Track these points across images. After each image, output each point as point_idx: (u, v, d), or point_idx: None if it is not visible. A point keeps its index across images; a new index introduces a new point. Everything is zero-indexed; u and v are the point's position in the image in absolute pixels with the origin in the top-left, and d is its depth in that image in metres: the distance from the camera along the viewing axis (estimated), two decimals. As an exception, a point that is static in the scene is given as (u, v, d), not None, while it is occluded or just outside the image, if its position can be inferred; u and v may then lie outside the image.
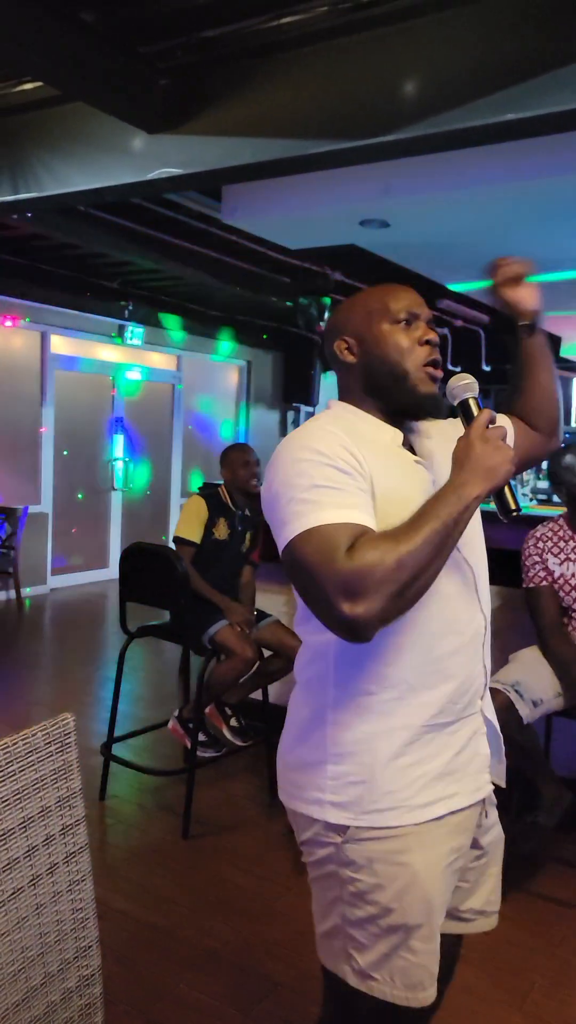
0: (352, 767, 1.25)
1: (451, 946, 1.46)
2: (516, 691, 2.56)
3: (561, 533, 2.79)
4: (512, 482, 1.25)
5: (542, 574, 2.77)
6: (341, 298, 6.80)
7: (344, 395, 1.36)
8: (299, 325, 7.52)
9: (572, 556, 2.75)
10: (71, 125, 3.34)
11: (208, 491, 3.65)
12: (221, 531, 3.54)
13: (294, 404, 9.72)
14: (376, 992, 1.25)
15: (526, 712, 2.54)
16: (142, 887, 2.72)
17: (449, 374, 1.30)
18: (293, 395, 9.51)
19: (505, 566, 2.94)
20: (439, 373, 1.32)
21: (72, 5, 2.70)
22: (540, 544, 2.80)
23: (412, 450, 1.35)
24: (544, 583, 2.76)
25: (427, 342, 1.31)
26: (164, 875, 2.80)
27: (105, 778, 3.36)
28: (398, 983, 1.24)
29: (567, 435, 6.46)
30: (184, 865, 2.87)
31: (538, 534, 2.82)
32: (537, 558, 2.78)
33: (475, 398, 1.26)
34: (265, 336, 9.21)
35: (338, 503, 1.14)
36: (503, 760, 1.41)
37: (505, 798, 2.71)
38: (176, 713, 3.64)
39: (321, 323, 6.71)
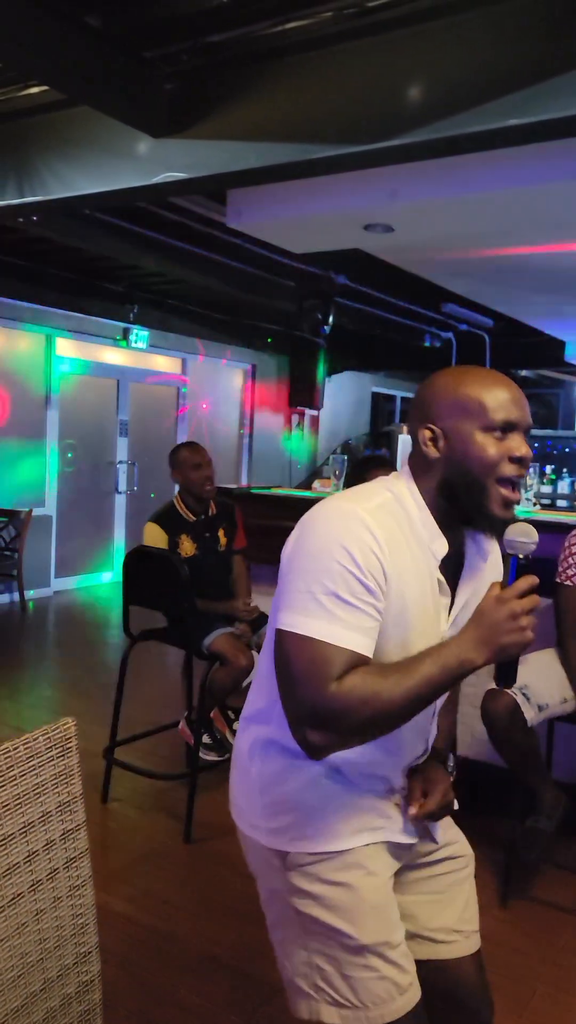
0: (280, 796, 1.29)
1: (461, 975, 1.45)
2: (524, 694, 2.54)
3: None
4: None
5: None
6: (346, 302, 6.80)
7: (416, 474, 1.27)
8: (304, 329, 7.52)
9: None
10: (76, 129, 3.35)
11: (161, 512, 3.49)
12: (187, 547, 3.43)
13: (298, 408, 9.73)
14: (352, 1022, 1.27)
15: (531, 715, 2.53)
16: (144, 891, 2.71)
17: None
18: (298, 399, 9.52)
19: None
20: (516, 497, 1.22)
21: (77, 9, 2.71)
22: None
23: (461, 559, 1.30)
24: None
25: (518, 460, 1.20)
26: (166, 879, 2.80)
27: (107, 782, 3.36)
28: (368, 1003, 1.26)
29: (573, 442, 6.46)
30: (186, 869, 2.87)
31: None
32: None
33: (527, 557, 1.20)
34: (270, 340, 9.22)
35: (349, 623, 1.13)
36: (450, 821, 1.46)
37: (507, 803, 2.70)
38: (185, 715, 3.64)
39: (326, 327, 6.71)
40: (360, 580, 1.13)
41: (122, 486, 8.24)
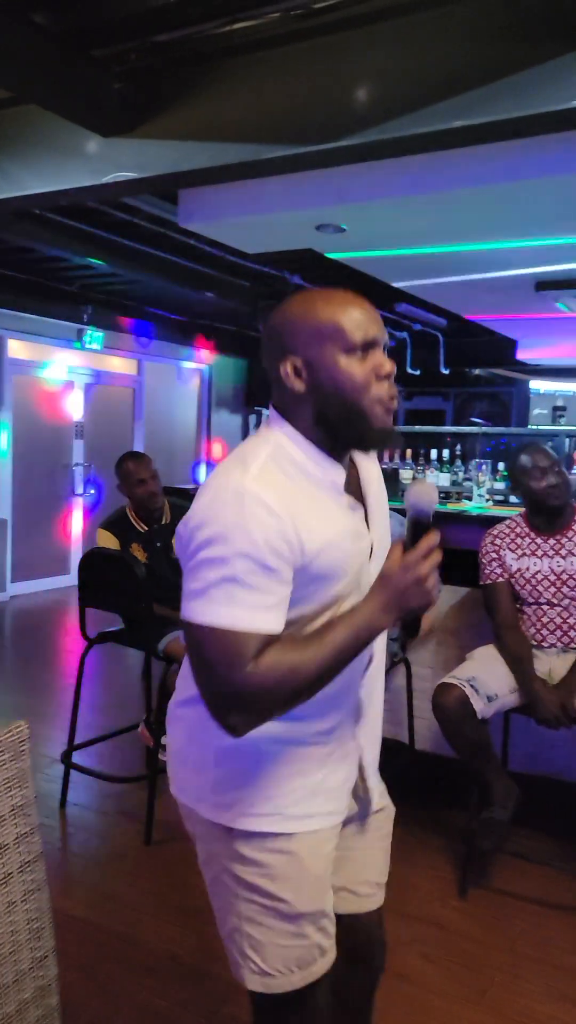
0: (235, 771, 1.28)
1: (369, 929, 1.49)
2: (472, 686, 2.61)
3: (519, 530, 2.86)
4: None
5: (498, 571, 2.83)
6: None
7: (288, 417, 1.24)
8: (259, 329, 7.51)
9: (528, 552, 2.81)
10: (24, 128, 3.31)
11: (113, 519, 3.47)
12: (139, 555, 3.42)
13: (255, 407, 9.73)
14: (276, 988, 1.30)
15: (480, 707, 2.59)
16: (104, 894, 2.70)
17: (408, 378, 1.30)
18: (255, 398, 9.51)
19: (463, 566, 2.99)
20: (394, 405, 1.23)
21: (24, 7, 2.68)
22: (497, 541, 2.86)
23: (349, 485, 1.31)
24: (500, 579, 2.82)
25: (386, 376, 1.21)
26: (126, 882, 2.79)
27: (66, 786, 3.33)
28: (294, 968, 1.29)
29: (524, 439, 6.57)
30: (146, 871, 2.86)
31: (495, 532, 2.89)
32: (494, 555, 2.84)
33: (429, 518, 1.22)
34: (226, 340, 9.20)
35: (253, 604, 1.11)
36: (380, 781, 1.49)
37: (463, 794, 2.75)
38: (145, 718, 3.61)
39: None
40: (261, 563, 1.10)
41: (79, 488, 8.16)
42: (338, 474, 1.25)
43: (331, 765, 1.32)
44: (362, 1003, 1.57)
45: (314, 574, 1.18)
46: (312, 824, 1.29)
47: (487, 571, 2.85)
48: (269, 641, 1.13)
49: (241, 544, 1.10)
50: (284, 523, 1.12)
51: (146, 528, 3.47)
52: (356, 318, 1.19)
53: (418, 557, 1.16)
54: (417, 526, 1.20)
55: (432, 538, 1.18)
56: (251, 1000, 1.36)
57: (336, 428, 1.22)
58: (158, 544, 3.47)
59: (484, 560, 2.86)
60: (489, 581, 2.84)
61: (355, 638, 1.16)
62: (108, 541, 3.40)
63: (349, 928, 1.45)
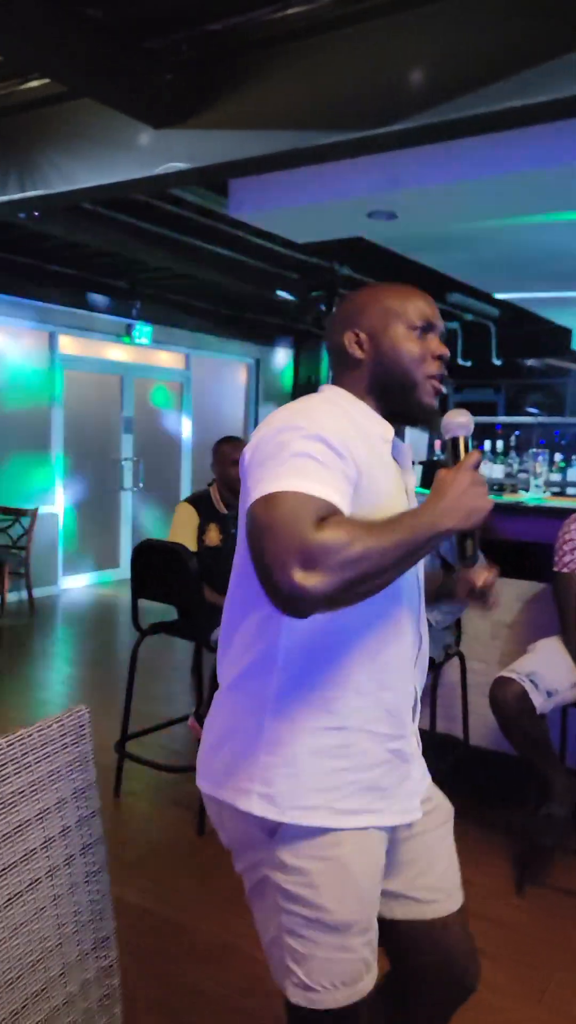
0: (285, 758, 1.22)
1: (438, 938, 1.40)
2: (531, 681, 2.53)
3: None
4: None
5: None
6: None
7: (343, 381, 1.34)
8: (307, 321, 7.49)
9: None
10: (77, 121, 3.34)
11: (197, 495, 3.59)
12: (212, 537, 3.48)
13: (303, 401, 9.70)
14: (318, 1004, 1.24)
15: (540, 702, 2.52)
16: (159, 883, 2.71)
17: (459, 369, 1.32)
18: (302, 392, 9.46)
19: (525, 559, 2.91)
20: (442, 388, 1.32)
21: (78, 1, 2.69)
22: None
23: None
24: None
25: (439, 357, 1.30)
26: (180, 871, 2.80)
27: (120, 775, 3.36)
28: (339, 985, 1.24)
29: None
30: (200, 861, 2.87)
31: None
32: None
33: (468, 438, 1.26)
34: (274, 333, 9.19)
35: (321, 479, 1.10)
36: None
37: (521, 791, 2.69)
38: (194, 709, 3.63)
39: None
40: (327, 443, 1.13)
41: (128, 483, 8.24)
42: (386, 429, 1.30)
43: (388, 760, 1.27)
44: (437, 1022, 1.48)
45: (361, 487, 1.17)
46: (361, 820, 1.24)
47: (567, 559, 2.67)
48: (335, 512, 1.09)
49: (315, 428, 1.14)
50: (344, 422, 1.19)
51: (226, 511, 3.54)
52: (420, 304, 1.32)
53: (469, 464, 1.19)
54: (457, 447, 1.25)
55: (477, 452, 1.23)
56: (287, 1008, 1.30)
57: (386, 396, 1.31)
58: (233, 531, 3.52)
59: (565, 547, 2.68)
60: (567, 570, 2.67)
61: (422, 528, 1.11)
62: (187, 515, 3.50)
63: (412, 938, 1.38)
